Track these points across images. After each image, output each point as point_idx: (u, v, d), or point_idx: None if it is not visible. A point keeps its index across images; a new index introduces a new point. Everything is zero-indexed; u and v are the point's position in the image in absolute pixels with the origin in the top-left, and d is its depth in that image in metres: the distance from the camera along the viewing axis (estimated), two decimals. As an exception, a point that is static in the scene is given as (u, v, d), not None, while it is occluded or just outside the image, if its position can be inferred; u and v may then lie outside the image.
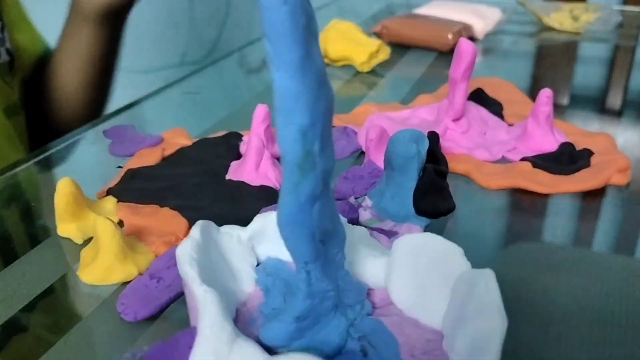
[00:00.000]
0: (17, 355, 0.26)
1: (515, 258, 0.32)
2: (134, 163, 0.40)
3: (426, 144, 0.33)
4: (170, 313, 0.27)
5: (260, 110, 0.40)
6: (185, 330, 0.21)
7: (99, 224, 0.29)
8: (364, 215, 0.33)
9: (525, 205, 0.37)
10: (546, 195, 0.37)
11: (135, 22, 1.36)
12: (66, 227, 0.33)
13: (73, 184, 0.33)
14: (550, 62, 0.69)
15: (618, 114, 0.53)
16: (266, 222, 0.27)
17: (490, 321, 0.21)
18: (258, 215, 0.28)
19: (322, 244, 0.22)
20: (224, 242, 0.26)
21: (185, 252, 0.23)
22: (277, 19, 0.18)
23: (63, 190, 0.32)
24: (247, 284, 0.26)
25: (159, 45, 1.40)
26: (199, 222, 0.25)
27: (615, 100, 0.57)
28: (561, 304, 0.28)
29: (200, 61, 1.41)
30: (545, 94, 0.40)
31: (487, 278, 0.22)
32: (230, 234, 0.27)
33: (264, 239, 0.27)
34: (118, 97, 0.68)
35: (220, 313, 0.21)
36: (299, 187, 0.20)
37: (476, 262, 0.24)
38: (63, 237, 0.33)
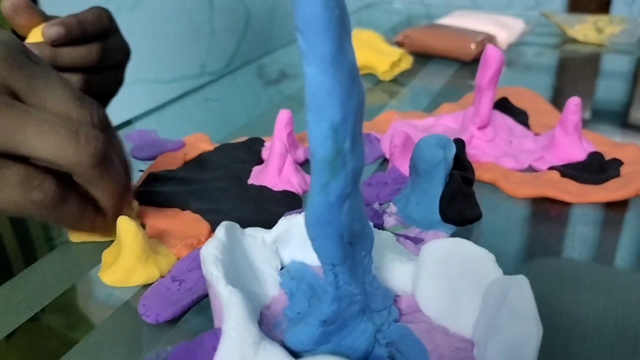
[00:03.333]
0: (39, 355, 0.25)
1: (536, 273, 0.31)
2: (156, 166, 0.40)
3: (453, 150, 0.33)
4: (191, 316, 0.27)
5: (283, 115, 0.40)
6: (210, 332, 0.21)
7: (121, 225, 0.29)
8: (389, 221, 0.33)
9: (551, 215, 0.36)
10: (573, 205, 0.36)
11: (156, 33, 1.38)
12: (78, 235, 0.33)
13: None
14: (573, 74, 0.68)
15: (640, 127, 0.52)
16: (291, 225, 0.27)
17: (525, 328, 0.20)
18: (283, 218, 0.27)
19: (350, 246, 0.22)
20: (249, 244, 0.26)
21: (210, 252, 0.23)
22: (310, 12, 0.17)
23: None
24: (271, 287, 0.25)
25: (179, 56, 1.41)
26: (224, 223, 0.25)
27: (638, 113, 0.56)
28: (582, 321, 0.27)
29: (219, 72, 1.42)
30: (574, 102, 0.39)
31: (521, 284, 0.21)
32: (255, 236, 0.26)
33: (288, 242, 0.27)
34: (138, 107, 0.68)
35: (246, 315, 0.21)
36: (328, 186, 0.20)
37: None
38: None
